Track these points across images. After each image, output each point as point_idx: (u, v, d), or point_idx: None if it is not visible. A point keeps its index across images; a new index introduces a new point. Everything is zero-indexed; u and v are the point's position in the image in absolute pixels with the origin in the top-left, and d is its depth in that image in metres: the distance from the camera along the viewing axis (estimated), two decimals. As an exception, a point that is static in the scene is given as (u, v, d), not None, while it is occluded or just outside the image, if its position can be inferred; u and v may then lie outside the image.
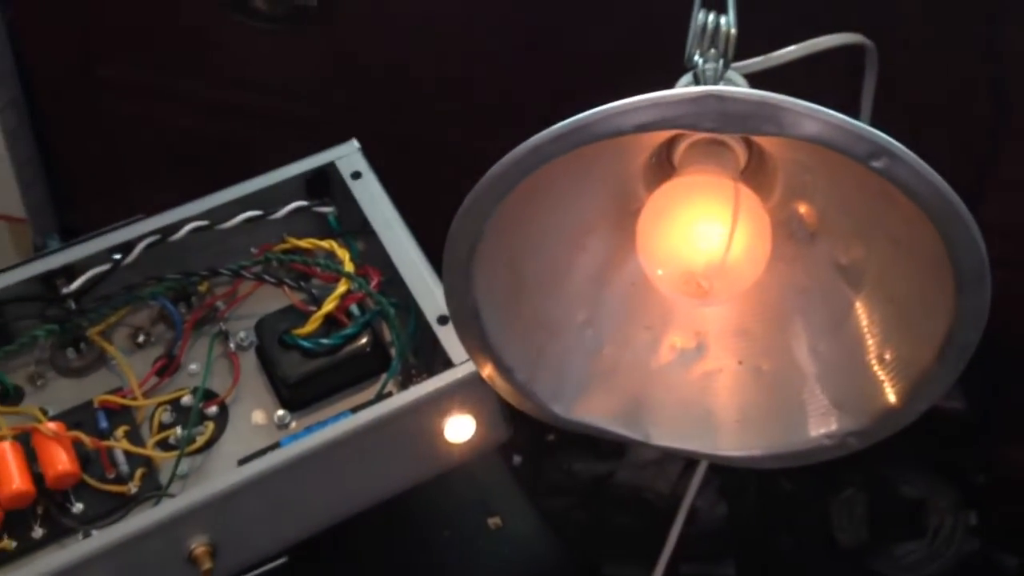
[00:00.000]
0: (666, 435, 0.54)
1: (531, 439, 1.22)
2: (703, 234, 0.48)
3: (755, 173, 0.51)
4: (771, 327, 0.53)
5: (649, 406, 0.54)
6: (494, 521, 0.64)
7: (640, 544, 0.88)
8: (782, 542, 1.14)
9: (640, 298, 0.53)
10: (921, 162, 0.39)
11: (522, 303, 0.51)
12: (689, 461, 1.17)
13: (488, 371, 0.50)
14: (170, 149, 1.07)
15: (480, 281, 0.47)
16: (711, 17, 0.49)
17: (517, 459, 1.18)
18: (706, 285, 0.48)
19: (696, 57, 0.51)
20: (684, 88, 0.41)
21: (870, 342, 0.49)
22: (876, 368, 0.49)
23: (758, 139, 0.49)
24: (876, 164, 0.39)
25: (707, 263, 0.47)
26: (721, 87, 0.39)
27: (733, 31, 0.50)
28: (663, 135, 0.49)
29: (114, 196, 1.10)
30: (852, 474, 1.14)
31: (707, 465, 0.81)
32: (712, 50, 0.51)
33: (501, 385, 0.51)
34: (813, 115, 0.39)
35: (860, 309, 0.50)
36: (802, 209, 0.51)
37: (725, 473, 1.16)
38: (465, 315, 0.48)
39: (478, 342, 0.49)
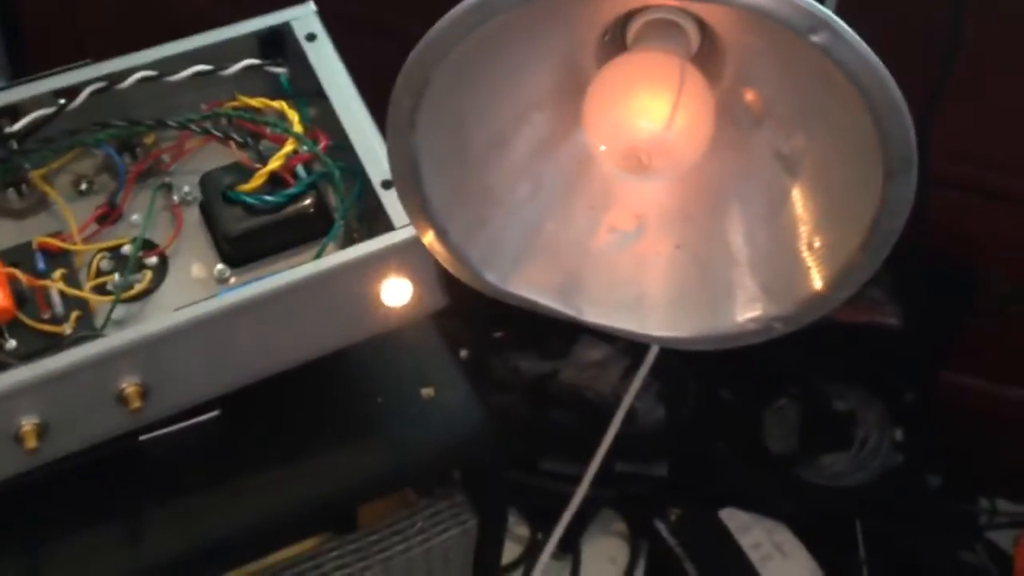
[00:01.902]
0: (599, 313, 0.55)
1: (478, 336, 1.24)
2: (646, 109, 0.48)
3: (706, 57, 0.51)
4: (709, 212, 0.54)
5: (584, 284, 0.55)
6: (427, 392, 0.65)
7: (578, 442, 0.90)
8: (715, 448, 1.17)
9: (584, 177, 0.54)
10: (860, 41, 0.39)
11: (465, 169, 0.51)
12: (630, 364, 1.20)
13: (426, 234, 0.51)
14: (133, 13, 1.05)
15: (423, 139, 0.48)
16: None
17: (464, 353, 1.20)
18: (646, 160, 0.48)
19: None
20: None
21: (802, 230, 0.50)
22: (805, 255, 0.50)
23: (709, 20, 0.50)
24: (815, 39, 0.39)
25: (649, 138, 0.48)
26: (669, -52, 0.39)
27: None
28: (615, 9, 0.50)
29: (71, 59, 1.08)
30: (787, 385, 1.17)
31: (648, 368, 0.83)
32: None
33: (439, 250, 0.51)
34: (757, -16, 0.39)
35: (796, 197, 0.51)
36: (749, 96, 0.51)
37: (665, 378, 1.19)
38: (406, 173, 0.48)
39: (418, 203, 0.50)
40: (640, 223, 0.55)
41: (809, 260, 0.50)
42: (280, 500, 0.62)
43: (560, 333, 1.22)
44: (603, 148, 0.50)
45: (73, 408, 0.52)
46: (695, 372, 1.19)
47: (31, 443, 0.51)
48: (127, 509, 0.59)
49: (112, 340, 0.52)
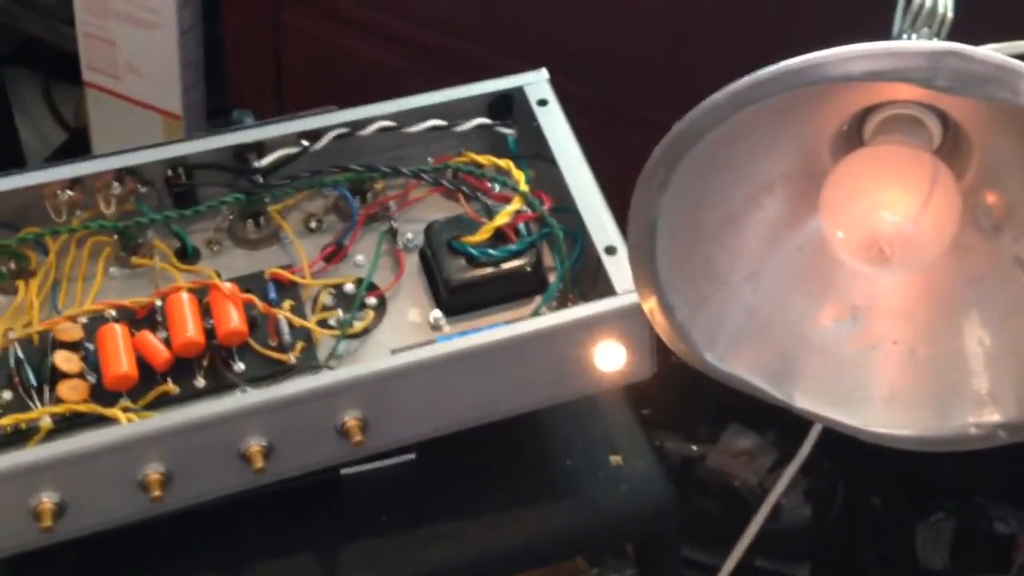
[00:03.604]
0: (810, 401, 0.54)
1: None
2: (895, 201, 0.48)
3: (947, 155, 0.51)
4: (936, 311, 0.53)
5: (798, 370, 0.54)
6: (616, 459, 0.65)
7: (720, 530, 0.88)
8: (862, 554, 1.13)
9: (805, 265, 0.54)
10: None
11: (696, 246, 0.52)
12: (779, 457, 1.17)
13: (651, 305, 0.51)
14: (334, 73, 1.09)
15: (666, 209, 0.48)
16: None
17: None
18: (888, 252, 0.48)
19: (906, 36, 0.51)
20: (924, 41, 0.41)
21: (1043, 336, 0.49)
22: (1045, 362, 0.49)
23: (957, 117, 0.49)
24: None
25: (894, 230, 0.48)
26: (962, 45, 0.40)
27: (950, 14, 0.50)
28: (860, 102, 0.50)
29: (267, 110, 1.13)
30: (944, 500, 1.12)
31: (799, 464, 0.81)
32: (925, 29, 0.51)
33: (660, 322, 0.52)
34: (1052, 87, 0.39)
35: (1036, 305, 0.50)
36: (991, 199, 0.51)
37: (814, 477, 1.16)
38: (643, 246, 0.49)
39: (648, 275, 0.50)
40: (857, 315, 0.55)
41: (1050, 368, 0.48)
42: (461, 551, 0.62)
43: (709, 419, 1.21)
44: (841, 235, 0.50)
45: (298, 434, 0.54)
46: (846, 474, 1.16)
47: (258, 463, 0.53)
48: (324, 539, 0.60)
49: (341, 373, 0.54)
